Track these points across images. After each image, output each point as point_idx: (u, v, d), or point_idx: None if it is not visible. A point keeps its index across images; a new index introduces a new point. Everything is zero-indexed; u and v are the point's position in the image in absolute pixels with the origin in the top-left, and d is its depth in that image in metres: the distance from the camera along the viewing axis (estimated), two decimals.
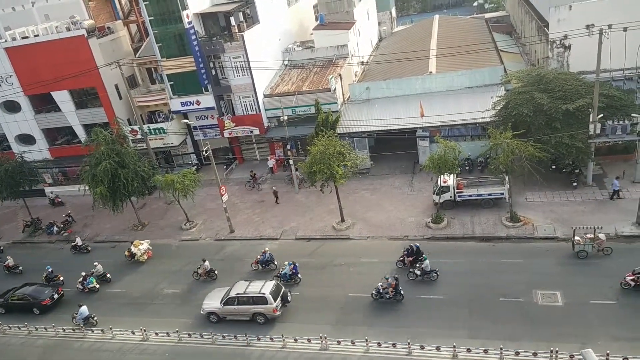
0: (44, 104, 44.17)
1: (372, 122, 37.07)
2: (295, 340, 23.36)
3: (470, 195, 31.24)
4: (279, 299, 25.28)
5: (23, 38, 41.35)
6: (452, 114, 34.99)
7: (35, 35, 41.16)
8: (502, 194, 30.38)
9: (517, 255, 26.47)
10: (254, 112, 41.31)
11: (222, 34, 41.17)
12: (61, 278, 31.85)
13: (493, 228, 29.15)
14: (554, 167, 32.25)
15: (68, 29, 40.86)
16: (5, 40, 41.71)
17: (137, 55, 45.31)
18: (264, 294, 25.04)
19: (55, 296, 29.96)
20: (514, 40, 50.57)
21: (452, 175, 31.08)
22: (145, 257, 32.73)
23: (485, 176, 32.62)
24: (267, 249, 29.93)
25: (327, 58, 44.07)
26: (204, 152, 34.90)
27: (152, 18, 39.04)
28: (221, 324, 25.81)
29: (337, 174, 29.85)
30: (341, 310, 25.20)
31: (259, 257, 29.58)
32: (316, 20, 50.92)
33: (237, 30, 39.51)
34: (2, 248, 38.06)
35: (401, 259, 27.17)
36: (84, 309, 27.55)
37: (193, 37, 38.52)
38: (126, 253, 33.09)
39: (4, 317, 29.93)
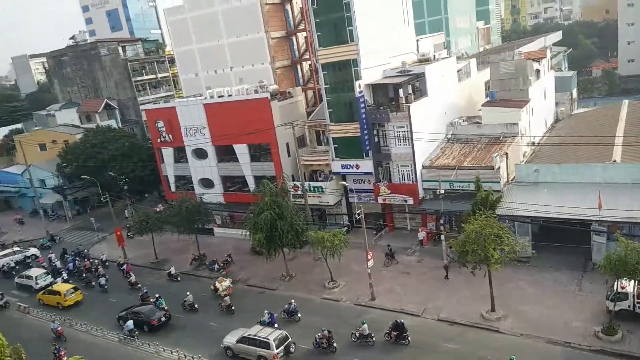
0: (225, 154, 50.11)
1: (538, 208, 34.03)
2: None
3: None
4: (282, 347, 27.99)
5: (219, 97, 48.11)
6: (639, 210, 30.49)
7: (229, 95, 47.58)
8: None
9: None
10: (410, 182, 41.25)
11: (389, 104, 42.59)
12: (152, 299, 36.86)
13: None
14: None
15: (256, 91, 46.52)
16: (205, 98, 49.01)
17: (309, 118, 49.28)
18: (268, 339, 27.98)
19: (163, 319, 34.43)
20: None
21: (632, 281, 26.55)
22: (226, 293, 36.97)
23: None
24: (292, 301, 33.10)
25: (493, 135, 42.48)
26: (356, 215, 35.60)
27: (327, 86, 42.46)
28: None
29: (492, 257, 27.67)
30: None
31: (286, 306, 32.78)
32: (486, 96, 49.88)
33: (404, 102, 40.62)
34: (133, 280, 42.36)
35: (387, 332, 28.71)
36: (130, 323, 33.27)
37: (362, 105, 40.60)
38: (212, 287, 37.89)
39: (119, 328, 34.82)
